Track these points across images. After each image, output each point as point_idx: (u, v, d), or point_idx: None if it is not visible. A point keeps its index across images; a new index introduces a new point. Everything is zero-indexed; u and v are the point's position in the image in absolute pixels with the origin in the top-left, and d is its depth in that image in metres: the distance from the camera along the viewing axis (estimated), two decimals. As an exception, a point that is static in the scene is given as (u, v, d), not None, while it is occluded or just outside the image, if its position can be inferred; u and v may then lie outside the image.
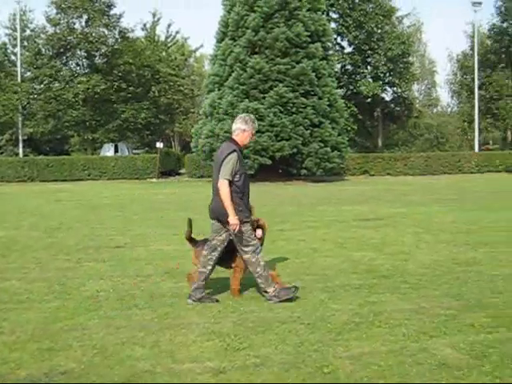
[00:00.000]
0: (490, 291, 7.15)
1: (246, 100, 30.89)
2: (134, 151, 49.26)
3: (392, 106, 50.07)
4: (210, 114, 32.98)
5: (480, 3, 46.37)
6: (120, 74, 44.24)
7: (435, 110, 77.49)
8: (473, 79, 48.49)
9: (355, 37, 44.45)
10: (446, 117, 71.55)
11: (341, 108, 33.29)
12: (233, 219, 6.33)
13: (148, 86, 46.45)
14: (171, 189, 28.44)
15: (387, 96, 50.25)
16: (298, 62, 31.49)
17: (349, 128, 43.44)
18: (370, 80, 45.76)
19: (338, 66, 47.73)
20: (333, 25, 46.41)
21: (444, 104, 77.71)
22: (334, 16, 45.99)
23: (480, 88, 50.85)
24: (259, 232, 7.10)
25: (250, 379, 4.58)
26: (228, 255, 6.92)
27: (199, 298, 6.70)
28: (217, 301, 6.74)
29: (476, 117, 46.89)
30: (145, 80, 45.90)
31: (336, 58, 44.52)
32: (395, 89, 49.31)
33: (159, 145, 39.33)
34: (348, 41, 46.29)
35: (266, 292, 6.69)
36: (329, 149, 31.24)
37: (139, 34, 50.94)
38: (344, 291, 7.27)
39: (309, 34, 32.05)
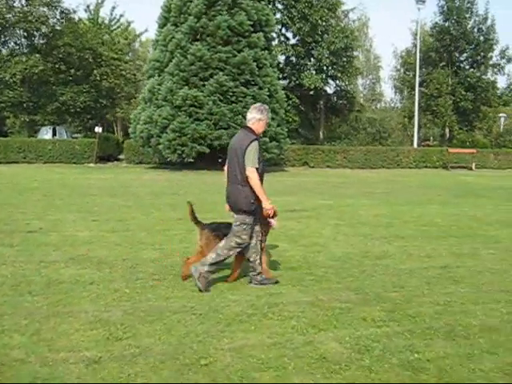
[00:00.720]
0: (392, 285, 7.17)
1: (186, 87, 30.52)
2: (74, 135, 48.29)
3: (335, 99, 50.30)
4: (149, 99, 32.50)
5: (423, 1, 46.87)
6: (60, 56, 43.16)
7: (379, 105, 78.32)
8: (414, 76, 49.10)
9: (299, 28, 44.36)
10: (389, 112, 72.36)
11: (281, 99, 33.21)
12: (267, 204, 6.61)
13: (89, 69, 45.50)
14: (106, 174, 27.96)
15: (330, 89, 50.42)
16: (239, 51, 31.21)
17: (290, 119, 43.45)
18: (314, 72, 45.73)
19: (283, 57, 47.68)
20: (278, 15, 46.32)
21: (388, 99, 78.67)
22: (280, 6, 45.73)
23: (421, 85, 51.58)
24: (273, 222, 7.13)
25: (124, 370, 4.44)
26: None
27: (261, 281, 6.95)
28: (277, 281, 7.02)
29: (416, 113, 47.51)
30: (86, 63, 44.92)
31: (279, 49, 44.49)
32: (338, 82, 49.50)
33: (98, 129, 38.59)
34: (292, 32, 46.17)
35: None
36: (267, 139, 31.10)
37: (82, 15, 49.93)
38: (246, 282, 7.16)
39: (251, 23, 31.77)
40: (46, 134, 42.73)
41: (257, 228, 6.92)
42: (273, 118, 31.65)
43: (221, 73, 30.55)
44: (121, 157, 41.78)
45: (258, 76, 31.50)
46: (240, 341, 5.15)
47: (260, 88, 31.50)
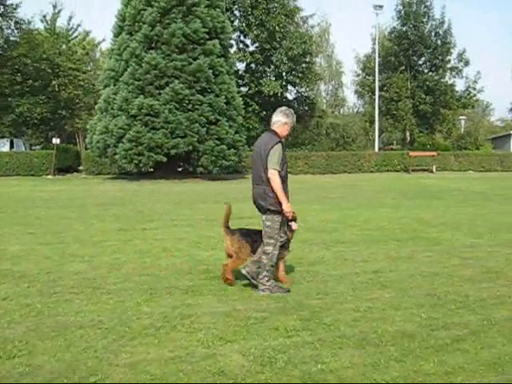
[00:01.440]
0: (317, 292, 6.98)
1: (141, 96, 30.22)
2: (34, 147, 47.53)
3: (295, 105, 50.23)
4: (104, 109, 32.10)
5: (381, 6, 47.29)
6: (16, 67, 42.45)
7: (342, 110, 78.60)
8: (374, 80, 49.34)
9: (257, 35, 44.21)
10: (352, 117, 72.67)
11: (238, 106, 33.01)
12: (286, 206, 6.67)
13: (47, 79, 44.83)
14: (61, 186, 27.49)
15: (291, 95, 50.37)
16: (195, 59, 31.01)
17: (251, 126, 43.25)
18: (273, 79, 45.63)
19: (243, 64, 47.49)
20: (236, 22, 46.20)
21: (351, 104, 79.00)
22: (237, 13, 45.60)
23: (381, 89, 51.88)
24: (294, 225, 7.32)
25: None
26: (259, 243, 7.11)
27: (270, 288, 6.93)
28: (288, 291, 6.94)
29: (376, 117, 47.74)
30: (43, 73, 44.23)
31: (237, 56, 44.29)
32: (298, 88, 49.48)
33: (55, 141, 37.98)
34: (250, 39, 46.02)
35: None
36: (225, 146, 30.94)
37: (39, 25, 49.16)
38: (166, 293, 6.96)
39: (207, 30, 31.60)
40: (3, 146, 42.01)
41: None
42: (230, 126, 31.54)
43: (176, 81, 30.30)
44: (81, 168, 41.20)
45: (214, 83, 31.30)
46: (139, 356, 4.90)
47: (217, 95, 31.30)
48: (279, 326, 5.63)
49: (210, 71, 30.98)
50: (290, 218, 6.90)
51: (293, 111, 7.17)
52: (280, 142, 6.71)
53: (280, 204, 6.68)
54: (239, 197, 18.17)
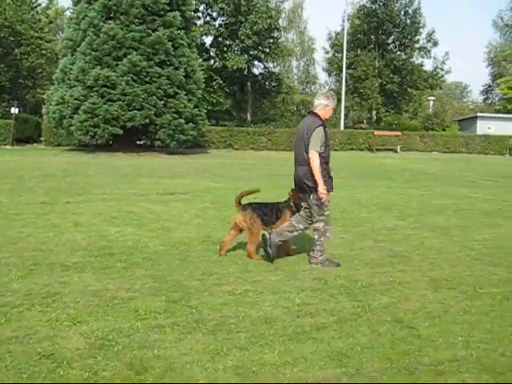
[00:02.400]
0: (202, 273, 6.83)
1: (98, 67, 29.58)
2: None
3: (262, 81, 49.81)
4: (61, 79, 31.42)
5: (352, -18, 46.76)
6: (-25, 34, 41.41)
7: (313, 88, 78.20)
8: (342, 58, 49.04)
9: (221, 8, 43.60)
10: (322, 94, 72.17)
11: (199, 80, 32.49)
12: (322, 188, 6.81)
13: (8, 48, 43.79)
14: (13, 157, 26.90)
15: (258, 70, 49.91)
16: (154, 30, 30.42)
17: (215, 101, 42.82)
18: (238, 53, 45.10)
19: (210, 38, 46.91)
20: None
21: (322, 82, 78.64)
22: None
23: (349, 67, 51.58)
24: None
25: None
26: (274, 217, 7.57)
27: (321, 261, 7.15)
28: (338, 265, 7.18)
29: (343, 95, 47.47)
30: (5, 41, 43.19)
31: (201, 30, 43.65)
32: (265, 64, 49.01)
33: (14, 110, 37.29)
34: (216, 12, 45.37)
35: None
36: (183, 120, 30.48)
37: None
38: (47, 269, 6.74)
39: (167, 1, 30.95)
40: (-38, 115, 41.11)
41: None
42: (189, 100, 31.09)
43: (134, 52, 29.74)
44: (41, 139, 40.52)
45: (173, 56, 30.77)
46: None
47: (176, 68, 30.79)
48: (141, 308, 5.40)
49: (170, 43, 30.40)
50: (321, 197, 6.95)
51: (333, 93, 7.41)
52: (322, 124, 6.90)
53: (325, 184, 6.87)
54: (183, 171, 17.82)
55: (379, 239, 9.09)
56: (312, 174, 6.84)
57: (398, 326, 5.17)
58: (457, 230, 10.14)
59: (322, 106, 7.05)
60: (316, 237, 7.14)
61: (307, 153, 6.83)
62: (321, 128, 6.84)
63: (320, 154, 6.82)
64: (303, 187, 7.07)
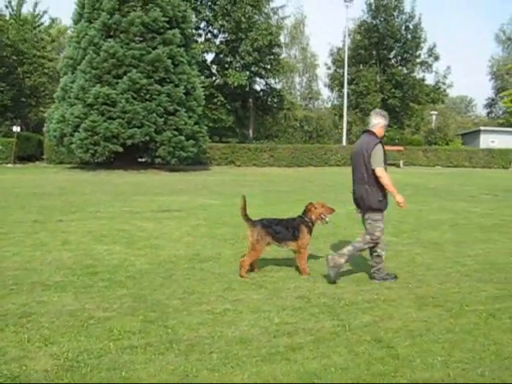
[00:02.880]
0: (183, 291, 6.75)
1: (98, 85, 29.68)
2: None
3: (263, 97, 49.88)
4: (62, 98, 31.53)
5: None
6: (-22, 53, 41.61)
7: (316, 103, 78.25)
8: (343, 74, 49.09)
9: (222, 25, 43.78)
10: (326, 110, 72.39)
11: (199, 97, 32.54)
12: (399, 197, 7.06)
13: (11, 67, 43.99)
14: (13, 175, 26.94)
15: (259, 87, 50.01)
16: (154, 48, 30.55)
17: (216, 118, 42.89)
18: (239, 70, 45.19)
19: (211, 55, 47.10)
20: (207, 12, 45.72)
21: (325, 97, 78.67)
22: (205, 3, 45.07)
23: (350, 83, 51.65)
24: (327, 218, 7.78)
25: None
26: (291, 234, 7.47)
27: (383, 277, 7.31)
28: (395, 277, 7.40)
29: (344, 111, 47.50)
30: (7, 60, 43.39)
31: (202, 47, 43.76)
32: (267, 80, 49.11)
33: (16, 128, 37.48)
34: (216, 29, 45.56)
35: (339, 257, 7.16)
36: (183, 137, 30.50)
37: (4, 12, 48.10)
38: (27, 289, 6.69)
39: (167, 19, 31.12)
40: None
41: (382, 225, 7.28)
42: (190, 117, 31.13)
43: (134, 70, 29.83)
44: (44, 157, 40.65)
45: (173, 73, 30.86)
46: None
47: (176, 85, 30.87)
48: (116, 328, 5.31)
49: (170, 61, 30.52)
50: (402, 206, 7.20)
51: (386, 112, 7.72)
52: (380, 142, 7.12)
53: (381, 202, 7.12)
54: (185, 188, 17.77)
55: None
56: (368, 193, 7.06)
57: (376, 346, 5.06)
58: (450, 246, 10.04)
59: (380, 125, 7.32)
60: (357, 245, 7.31)
61: (368, 171, 7.02)
62: (380, 145, 7.08)
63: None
64: (361, 205, 7.25)
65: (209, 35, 47.10)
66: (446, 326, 5.68)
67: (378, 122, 7.31)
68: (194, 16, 40.24)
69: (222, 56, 46.34)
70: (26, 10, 49.10)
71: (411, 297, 6.67)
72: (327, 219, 7.84)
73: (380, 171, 6.99)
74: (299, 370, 4.48)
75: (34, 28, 47.54)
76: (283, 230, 7.51)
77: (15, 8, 47.31)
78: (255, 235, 7.35)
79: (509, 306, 6.35)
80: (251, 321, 5.63)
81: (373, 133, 7.26)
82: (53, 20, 52.05)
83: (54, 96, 33.01)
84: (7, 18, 46.19)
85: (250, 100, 48.95)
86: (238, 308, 6.04)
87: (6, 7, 46.80)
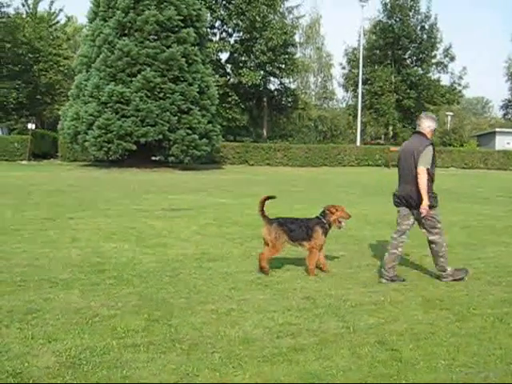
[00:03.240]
0: (189, 290, 6.74)
1: (113, 83, 29.85)
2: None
3: (279, 96, 49.87)
4: (76, 95, 31.72)
5: None
6: (-5, 51, 41.92)
7: (331, 103, 78.15)
8: (358, 74, 48.95)
9: (236, 24, 43.82)
10: (341, 110, 72.27)
11: (212, 96, 32.60)
12: (425, 204, 7.05)
13: (27, 64, 44.30)
14: (27, 172, 27.18)
15: (274, 86, 50.00)
16: (168, 47, 30.68)
17: (230, 117, 42.94)
18: (253, 69, 45.19)
19: (225, 54, 47.15)
20: (222, 11, 45.78)
21: (339, 97, 78.53)
22: (220, 2, 45.10)
23: (365, 83, 51.50)
24: (344, 222, 7.83)
25: None
26: (304, 233, 7.46)
27: (391, 277, 7.38)
28: (403, 280, 7.42)
29: (359, 111, 47.38)
30: (23, 58, 43.70)
31: (216, 46, 43.81)
32: (281, 79, 49.08)
33: (31, 126, 37.78)
34: (231, 28, 45.60)
35: (443, 271, 7.45)
36: (196, 136, 30.56)
37: (20, 9, 48.50)
38: (34, 286, 6.69)
39: (181, 18, 31.24)
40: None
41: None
42: (203, 115, 31.15)
43: (148, 68, 29.94)
44: (58, 154, 40.90)
45: (187, 72, 30.93)
46: None
47: (190, 84, 30.94)
48: (119, 326, 5.31)
49: (184, 59, 30.61)
50: (423, 215, 7.20)
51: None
52: (431, 144, 7.22)
53: (433, 198, 7.20)
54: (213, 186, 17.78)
55: (378, 257, 8.92)
56: (418, 191, 7.07)
57: (380, 348, 5.02)
58: (461, 248, 9.96)
59: (430, 129, 7.40)
60: (436, 249, 7.44)
61: (416, 169, 7.09)
62: (430, 147, 7.17)
63: (428, 172, 7.11)
64: (411, 204, 7.31)
65: (223, 34, 47.20)
66: (451, 329, 5.62)
67: (428, 125, 7.41)
68: (208, 15, 40.38)
69: (236, 55, 46.37)
70: (42, 8, 49.50)
71: (418, 299, 6.61)
72: (343, 224, 7.85)
73: (421, 170, 7.05)
74: (300, 371, 4.46)
75: (50, 26, 47.88)
76: (298, 229, 7.52)
77: (31, 6, 47.67)
78: (273, 233, 7.35)
79: (517, 310, 6.26)
80: (255, 321, 5.61)
81: (423, 134, 7.37)
82: (68, 18, 52.49)
83: (69, 94, 33.24)
84: (24, 15, 46.40)
85: (265, 99, 48.98)
86: (242, 308, 6.02)
87: (23, 5, 47.21)
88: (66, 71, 46.87)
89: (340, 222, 7.77)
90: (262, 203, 7.44)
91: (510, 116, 79.07)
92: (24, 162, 36.37)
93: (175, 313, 5.80)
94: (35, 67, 45.25)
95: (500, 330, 5.64)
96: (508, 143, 49.66)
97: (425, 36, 52.83)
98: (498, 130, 54.15)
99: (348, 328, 5.53)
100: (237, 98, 44.56)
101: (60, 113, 33.69)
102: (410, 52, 54.34)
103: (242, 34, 45.38)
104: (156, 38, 30.83)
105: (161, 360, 4.59)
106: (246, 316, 5.78)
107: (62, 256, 8.35)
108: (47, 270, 7.45)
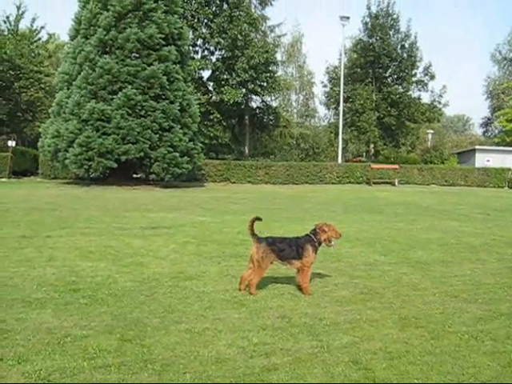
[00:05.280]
0: (164, 309, 6.66)
1: (93, 100, 29.74)
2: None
3: (261, 114, 50.04)
4: (57, 113, 31.58)
5: (348, 18, 47.24)
6: (-26, 68, 41.72)
7: (313, 121, 78.46)
8: (339, 92, 49.29)
9: (218, 43, 44.00)
10: (322, 128, 72.60)
11: (194, 113, 32.61)
12: None
13: (7, 81, 44.10)
14: (6, 189, 26.89)
15: (255, 104, 50.19)
16: (149, 65, 30.66)
17: (212, 134, 42.99)
18: (234, 87, 45.34)
19: (208, 72, 47.32)
20: (204, 30, 45.98)
21: (321, 115, 78.93)
22: (202, 20, 45.30)
23: (346, 101, 51.84)
24: (334, 241, 7.85)
25: None
26: (295, 252, 7.38)
27: None
28: None
29: (340, 129, 47.62)
30: (4, 75, 43.51)
31: (198, 64, 43.92)
32: (263, 97, 49.26)
33: (11, 143, 37.57)
34: (213, 47, 45.79)
35: None
36: (177, 154, 30.52)
37: (1, 26, 48.33)
38: (7, 306, 6.60)
39: (163, 36, 31.27)
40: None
41: None
42: (185, 133, 31.15)
43: (130, 86, 29.90)
44: (39, 172, 40.67)
45: (168, 90, 30.93)
46: None
47: (171, 102, 30.94)
48: (92, 346, 5.25)
49: (165, 77, 30.61)
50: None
51: None
52: None
53: None
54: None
55: (355, 275, 8.94)
56: None
57: (354, 368, 5.01)
58: (438, 266, 9.99)
59: None
60: None
61: None
62: None
63: None
64: None
65: (205, 52, 47.37)
66: (426, 347, 5.62)
67: None
68: (190, 33, 40.60)
69: (218, 73, 46.51)
70: (23, 25, 49.28)
71: (394, 317, 6.60)
72: (333, 243, 7.86)
73: None
74: (273, 392, 4.41)
75: (32, 43, 47.74)
76: (288, 248, 7.45)
77: (13, 23, 47.48)
78: (260, 252, 7.26)
79: (491, 328, 6.28)
80: (229, 340, 5.57)
81: None
82: (50, 35, 52.37)
83: (50, 111, 33.12)
84: (5, 33, 46.27)
85: (246, 117, 49.12)
86: (217, 327, 5.98)
87: (4, 22, 47.03)
88: (47, 88, 46.69)
89: (330, 241, 7.76)
90: (252, 223, 7.39)
91: (489, 134, 79.95)
92: (4, 180, 36.12)
93: (149, 333, 5.74)
94: (16, 84, 45.03)
95: (474, 348, 5.65)
96: (488, 160, 50.10)
97: (405, 55, 53.37)
98: (477, 147, 54.67)
99: (322, 347, 5.50)
100: (219, 115, 44.62)
101: (41, 130, 33.49)
102: (390, 70, 54.85)
103: (223, 52, 45.57)
104: (137, 55, 30.82)
105: (132, 380, 4.55)
106: (220, 335, 5.73)
107: (36, 275, 8.25)
108: (21, 290, 7.36)
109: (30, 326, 5.84)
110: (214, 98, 46.46)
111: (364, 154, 67.06)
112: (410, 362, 5.20)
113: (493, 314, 6.90)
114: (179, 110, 31.15)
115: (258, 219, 7.56)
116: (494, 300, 7.60)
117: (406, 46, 53.89)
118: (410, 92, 54.93)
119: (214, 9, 44.57)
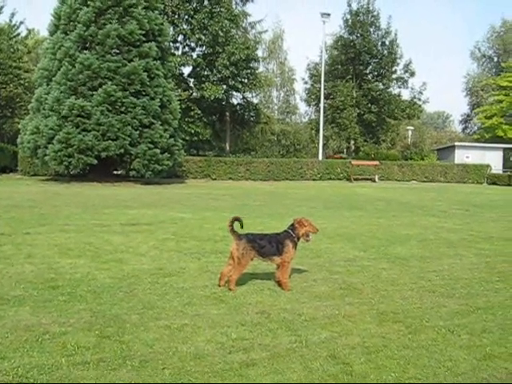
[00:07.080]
0: (143, 306, 6.65)
1: (73, 97, 29.54)
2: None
3: (242, 111, 50.01)
4: (36, 109, 31.33)
5: (328, 14, 47.33)
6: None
7: (293, 118, 78.58)
8: (320, 89, 49.40)
9: (199, 39, 43.92)
10: (303, 124, 72.73)
11: (175, 110, 32.50)
12: None
13: (-15, 77, 43.71)
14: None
15: (236, 100, 50.17)
16: (129, 61, 30.51)
17: (193, 131, 42.91)
18: (215, 83, 45.28)
19: (189, 68, 47.21)
20: (185, 26, 45.85)
21: (302, 112, 79.06)
22: (182, 16, 45.17)
23: (327, 98, 51.97)
24: (311, 236, 7.83)
25: None
26: (275, 248, 7.40)
27: None
28: None
29: (321, 125, 47.73)
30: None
31: (179, 60, 43.80)
32: (244, 94, 49.25)
33: (-12, 140, 37.17)
34: (193, 43, 45.69)
35: None
36: (158, 150, 30.42)
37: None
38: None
39: (143, 32, 31.12)
40: None
41: None
42: (165, 130, 31.05)
43: (110, 82, 29.74)
44: (18, 168, 40.35)
45: (149, 86, 30.82)
46: None
47: (151, 98, 30.83)
48: (70, 343, 5.23)
49: (145, 74, 30.49)
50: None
51: None
52: None
53: None
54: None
55: (335, 271, 8.98)
56: None
57: (332, 362, 5.04)
58: (416, 261, 10.07)
59: None
60: None
61: None
62: None
63: None
64: None
65: (186, 48, 47.20)
66: (403, 342, 5.67)
67: None
68: (171, 29, 40.48)
69: (198, 69, 46.41)
70: (1, 20, 48.83)
71: (372, 312, 6.65)
72: (311, 237, 7.88)
73: None
74: (251, 386, 4.44)
75: (10, 38, 47.27)
76: (268, 244, 7.48)
77: (-9, 19, 46.98)
78: (240, 249, 7.27)
79: (468, 322, 6.35)
80: (208, 336, 5.59)
81: None
82: (29, 31, 51.90)
83: (29, 107, 32.86)
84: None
85: (227, 114, 49.09)
86: (196, 323, 5.99)
87: (-17, 18, 46.54)
88: (26, 84, 46.26)
89: (308, 236, 7.78)
90: (232, 221, 7.37)
91: (468, 130, 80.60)
92: (-19, 177, 35.76)
93: (127, 329, 5.74)
94: (-6, 80, 44.57)
95: (451, 341, 5.71)
96: (467, 157, 50.56)
97: (385, 52, 53.62)
98: (457, 143, 55.15)
99: (301, 342, 5.53)
100: (199, 112, 44.54)
101: (20, 126, 33.20)
102: (370, 67, 55.12)
103: (204, 48, 45.50)
104: (118, 51, 30.67)
105: (109, 377, 4.54)
106: (199, 331, 5.75)
107: (15, 272, 8.21)
108: (-2, 287, 7.30)
109: (8, 324, 5.81)
110: (194, 94, 46.35)
111: (345, 150, 67.28)
112: (387, 357, 5.24)
113: (469, 308, 6.97)
114: (160, 106, 31.05)
115: (238, 220, 7.51)
116: (471, 294, 7.67)
117: (387, 43, 54.16)
118: (391, 89, 55.28)
119: (194, 5, 44.39)
